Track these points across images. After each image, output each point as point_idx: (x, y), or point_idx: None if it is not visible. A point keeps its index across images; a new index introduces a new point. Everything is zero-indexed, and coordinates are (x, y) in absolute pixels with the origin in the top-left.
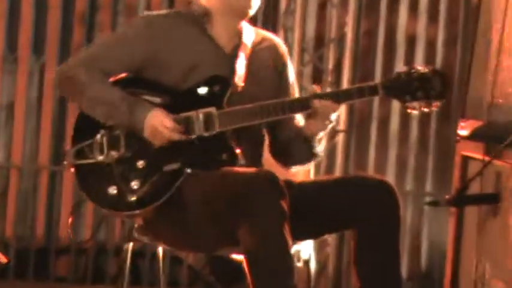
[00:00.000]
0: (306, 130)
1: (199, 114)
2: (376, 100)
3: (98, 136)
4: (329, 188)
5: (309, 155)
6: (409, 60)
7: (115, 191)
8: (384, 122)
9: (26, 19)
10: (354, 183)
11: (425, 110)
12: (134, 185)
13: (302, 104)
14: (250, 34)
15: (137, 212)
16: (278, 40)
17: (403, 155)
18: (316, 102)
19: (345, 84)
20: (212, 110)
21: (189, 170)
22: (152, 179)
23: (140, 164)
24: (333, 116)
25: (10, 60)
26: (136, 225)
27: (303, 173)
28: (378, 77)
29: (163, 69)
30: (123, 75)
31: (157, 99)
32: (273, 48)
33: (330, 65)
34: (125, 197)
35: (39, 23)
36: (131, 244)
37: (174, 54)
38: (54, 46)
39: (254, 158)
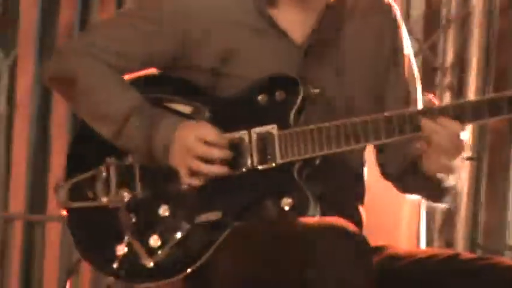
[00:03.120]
0: (422, 165)
1: (253, 136)
2: None
3: (103, 166)
4: (441, 271)
5: (433, 194)
6: None
7: (125, 251)
8: None
9: None
10: (481, 272)
11: None
12: (153, 242)
13: (407, 124)
14: (338, 2)
15: (156, 283)
16: (386, 1)
17: None
18: (427, 122)
19: (472, 87)
20: (272, 129)
21: (233, 224)
22: (180, 235)
23: (163, 210)
24: (460, 140)
25: None
26: None
27: (407, 234)
28: None
29: (196, 64)
30: (144, 71)
31: (187, 109)
32: (374, 15)
33: (449, 57)
34: (140, 260)
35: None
36: None
37: (212, 45)
38: (30, 36)
39: (341, 205)
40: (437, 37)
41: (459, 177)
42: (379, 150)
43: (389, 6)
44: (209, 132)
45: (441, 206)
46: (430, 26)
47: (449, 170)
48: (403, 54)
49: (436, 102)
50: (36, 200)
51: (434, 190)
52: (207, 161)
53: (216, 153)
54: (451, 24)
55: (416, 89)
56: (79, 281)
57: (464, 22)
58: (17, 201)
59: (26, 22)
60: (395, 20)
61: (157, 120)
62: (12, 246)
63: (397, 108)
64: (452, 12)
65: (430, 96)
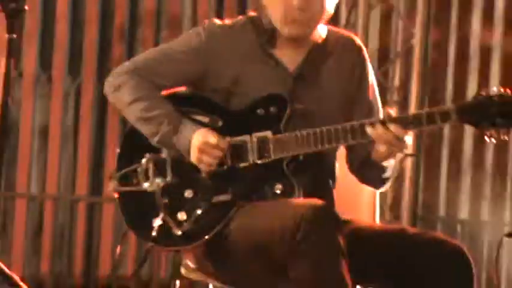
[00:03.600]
0: (373, 155)
1: (254, 139)
2: None
3: (144, 161)
4: (395, 244)
5: (378, 180)
6: (484, 74)
7: (160, 223)
8: (457, 145)
9: (60, 35)
10: (424, 246)
11: (506, 138)
12: (181, 217)
13: (358, 132)
14: (321, 43)
15: (183, 247)
16: (356, 42)
17: (478, 182)
18: (371, 130)
19: (413, 103)
20: (268, 134)
21: (239, 203)
22: (200, 211)
23: (188, 193)
24: (404, 141)
25: (43, 81)
26: (184, 261)
27: (367, 211)
28: (449, 94)
29: (214, 85)
30: (179, 89)
31: (205, 119)
32: (348, 53)
33: (396, 81)
34: (171, 230)
35: (75, 39)
36: (178, 282)
37: (227, 72)
38: (92, 65)
39: (319, 190)
40: (388, 65)
41: (398, 168)
42: (348, 151)
43: (359, 47)
44: (212, 137)
45: (382, 189)
46: (383, 56)
47: (392, 157)
48: (367, 82)
49: (393, 113)
50: (95, 186)
51: (377, 178)
52: (214, 157)
53: (217, 152)
54: (398, 55)
55: (377, 107)
56: (127, 246)
57: (407, 54)
58: (81, 187)
59: (89, 55)
60: (363, 58)
61: (181, 127)
62: (78, 221)
63: (363, 117)
64: (398, 47)
65: (390, 110)
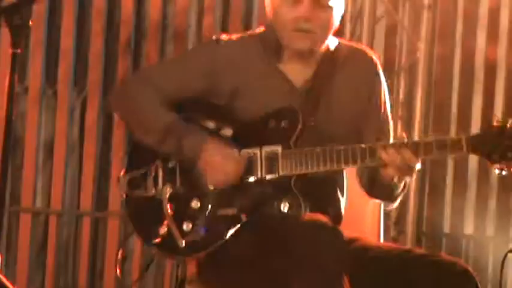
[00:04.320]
0: (382, 176)
1: (263, 153)
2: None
3: (154, 166)
4: (402, 265)
5: (387, 198)
6: (489, 89)
7: (165, 231)
8: (462, 160)
9: (65, 49)
10: (431, 267)
11: None
12: (186, 227)
13: (373, 154)
14: (331, 56)
15: (185, 257)
16: (368, 55)
17: (483, 197)
18: (383, 154)
19: (417, 117)
20: (277, 148)
21: (244, 218)
22: (205, 223)
23: (194, 203)
24: (414, 168)
25: (49, 95)
26: (188, 273)
27: (371, 226)
28: (454, 109)
29: (219, 99)
30: (188, 96)
31: (211, 124)
32: (360, 66)
33: (401, 96)
34: (175, 239)
35: (80, 53)
36: None
37: (232, 86)
38: (97, 78)
39: (326, 206)
40: (392, 80)
41: (406, 188)
42: (359, 168)
43: (371, 59)
44: (228, 149)
45: (392, 206)
46: (387, 70)
47: (402, 180)
48: (379, 97)
49: (405, 136)
50: (100, 200)
51: (386, 194)
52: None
53: (230, 168)
54: (402, 70)
55: (389, 123)
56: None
57: (411, 69)
58: (86, 201)
59: (94, 68)
60: (375, 71)
61: (186, 135)
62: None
63: (373, 137)
64: (402, 61)
65: (403, 134)
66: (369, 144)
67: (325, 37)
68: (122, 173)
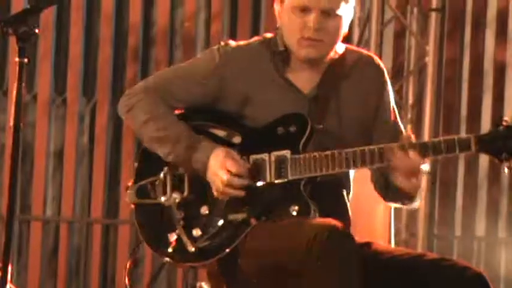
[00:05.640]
0: (393, 180)
1: (272, 158)
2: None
3: (162, 174)
4: (414, 269)
5: (402, 200)
6: (499, 91)
7: (175, 238)
8: (473, 161)
9: (73, 57)
10: (444, 272)
11: None
12: (196, 233)
13: (382, 156)
14: (338, 62)
15: (196, 264)
16: (375, 61)
17: (494, 199)
18: (398, 153)
19: (427, 121)
20: (286, 153)
21: (254, 222)
22: (215, 229)
23: (204, 210)
24: (420, 170)
25: (58, 103)
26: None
27: (382, 229)
28: (463, 112)
29: (226, 106)
30: (197, 103)
31: (221, 133)
32: (367, 72)
33: (410, 99)
34: (185, 246)
35: (89, 60)
36: None
37: (240, 93)
38: (106, 86)
39: (335, 210)
40: (401, 83)
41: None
42: (372, 171)
43: (378, 65)
44: (234, 164)
45: (411, 206)
46: (396, 74)
47: (412, 187)
48: (387, 102)
49: (413, 136)
50: (111, 207)
51: (400, 198)
52: (231, 185)
53: (236, 181)
54: (411, 73)
55: (398, 128)
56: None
57: (421, 72)
58: (96, 209)
59: (103, 76)
60: (382, 77)
61: (196, 146)
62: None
63: (384, 140)
64: (412, 65)
65: (410, 133)
66: (377, 146)
67: (333, 45)
68: (129, 183)
